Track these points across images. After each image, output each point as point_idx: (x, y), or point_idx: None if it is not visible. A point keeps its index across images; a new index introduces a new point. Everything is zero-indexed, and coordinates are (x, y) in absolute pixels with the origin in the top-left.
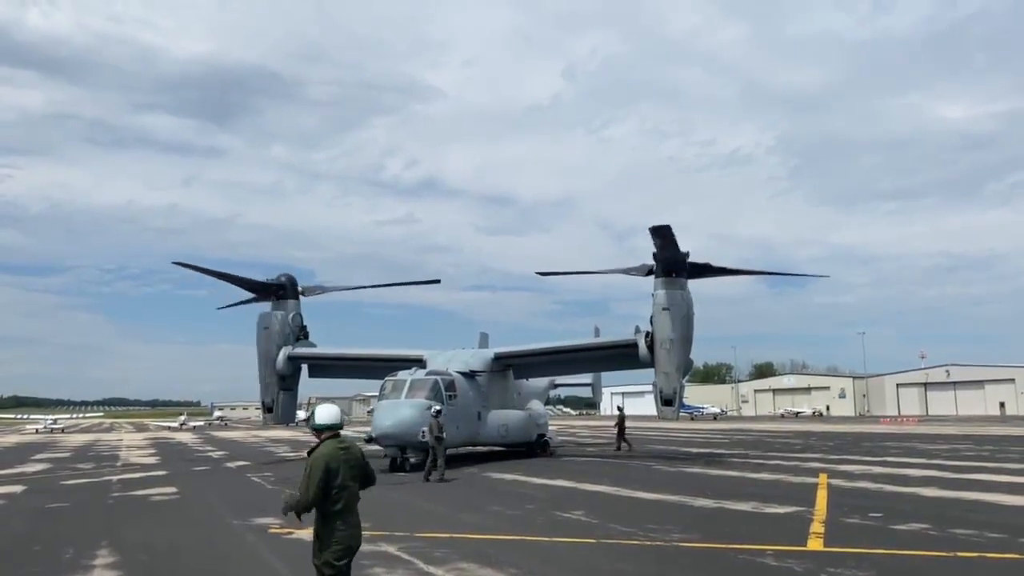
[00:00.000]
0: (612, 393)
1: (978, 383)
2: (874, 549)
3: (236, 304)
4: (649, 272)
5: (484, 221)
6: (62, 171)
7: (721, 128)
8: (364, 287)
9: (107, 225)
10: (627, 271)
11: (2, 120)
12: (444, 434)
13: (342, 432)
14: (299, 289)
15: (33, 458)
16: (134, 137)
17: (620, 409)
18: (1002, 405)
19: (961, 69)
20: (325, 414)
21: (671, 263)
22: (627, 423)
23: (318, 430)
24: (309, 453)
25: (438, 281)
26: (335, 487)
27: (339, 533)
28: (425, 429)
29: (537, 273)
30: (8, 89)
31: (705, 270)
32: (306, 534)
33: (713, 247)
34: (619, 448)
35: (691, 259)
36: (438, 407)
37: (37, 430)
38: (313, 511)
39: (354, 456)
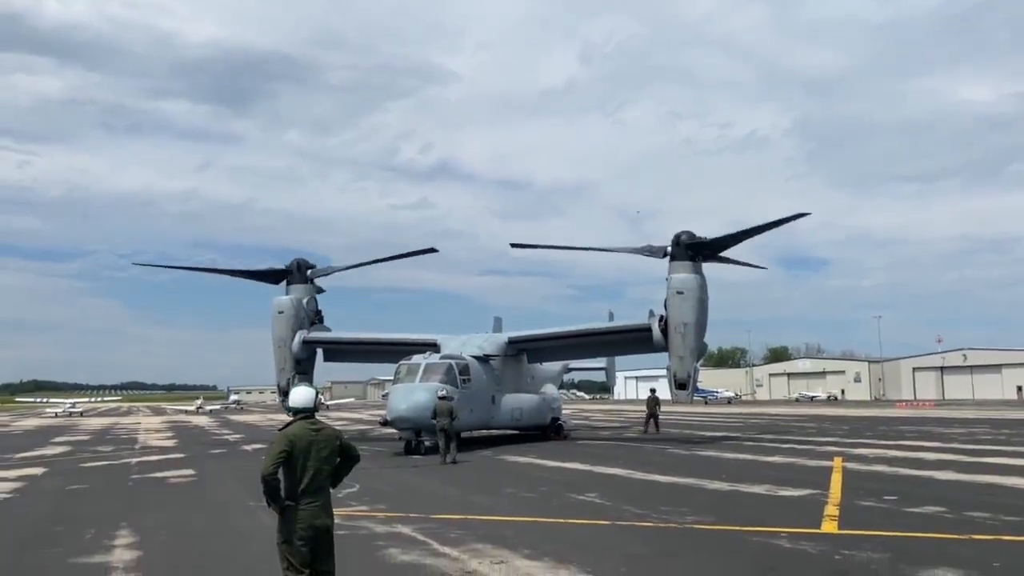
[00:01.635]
0: (626, 377)
1: (995, 367)
2: (889, 532)
3: (235, 273)
4: (665, 254)
5: (499, 205)
6: (79, 157)
7: (738, 110)
8: (366, 263)
9: (124, 210)
10: (639, 250)
11: (20, 106)
12: (454, 417)
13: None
14: (307, 273)
15: (53, 441)
16: (150, 123)
17: (652, 391)
18: (1019, 389)
19: (983, 49)
20: (298, 398)
21: (688, 246)
22: (645, 407)
23: (292, 412)
24: (280, 431)
25: (435, 250)
26: (299, 464)
27: (301, 511)
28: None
29: (511, 245)
30: (26, 75)
31: (720, 244)
32: None
33: (729, 230)
34: (647, 431)
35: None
36: (443, 391)
37: (56, 414)
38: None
39: (325, 436)
